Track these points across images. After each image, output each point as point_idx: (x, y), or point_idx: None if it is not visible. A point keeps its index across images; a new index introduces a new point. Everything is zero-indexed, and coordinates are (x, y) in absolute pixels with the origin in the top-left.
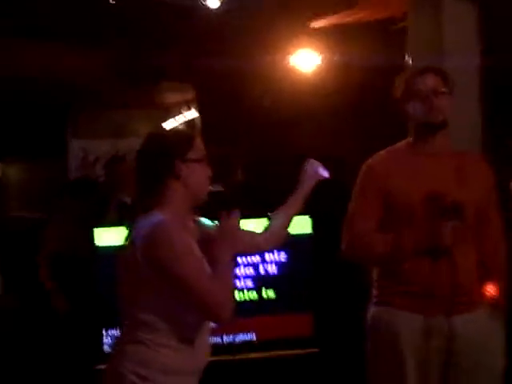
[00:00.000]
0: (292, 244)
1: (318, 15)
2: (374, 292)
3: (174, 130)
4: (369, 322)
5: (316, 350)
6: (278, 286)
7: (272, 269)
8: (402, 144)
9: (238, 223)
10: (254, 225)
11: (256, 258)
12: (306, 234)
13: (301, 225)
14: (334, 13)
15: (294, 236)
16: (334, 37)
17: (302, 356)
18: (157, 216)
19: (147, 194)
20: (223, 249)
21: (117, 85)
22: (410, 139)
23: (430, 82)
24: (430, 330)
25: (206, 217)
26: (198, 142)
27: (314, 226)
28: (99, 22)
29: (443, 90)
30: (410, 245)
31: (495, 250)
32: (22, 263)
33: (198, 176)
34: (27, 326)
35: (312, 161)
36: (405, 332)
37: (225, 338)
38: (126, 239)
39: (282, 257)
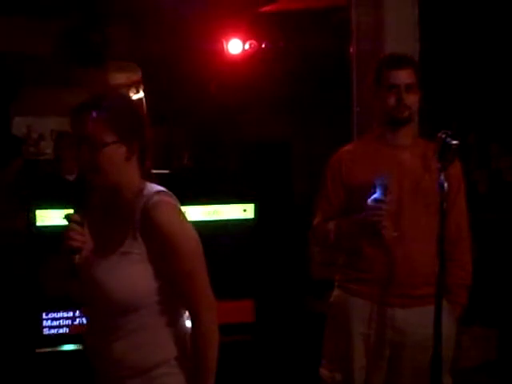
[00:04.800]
0: (235, 230)
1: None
2: (337, 277)
3: None
4: (329, 305)
5: (256, 336)
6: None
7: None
8: (369, 135)
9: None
10: (198, 211)
11: None
12: (250, 220)
13: (245, 211)
14: None
15: (237, 221)
16: (280, 24)
17: (242, 342)
18: None
19: None
20: None
21: (63, 63)
22: (376, 131)
23: (404, 76)
24: (377, 320)
25: None
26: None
27: (258, 212)
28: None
29: (415, 85)
30: (347, 227)
31: (458, 238)
32: None
33: None
34: None
35: None
36: (355, 318)
37: None
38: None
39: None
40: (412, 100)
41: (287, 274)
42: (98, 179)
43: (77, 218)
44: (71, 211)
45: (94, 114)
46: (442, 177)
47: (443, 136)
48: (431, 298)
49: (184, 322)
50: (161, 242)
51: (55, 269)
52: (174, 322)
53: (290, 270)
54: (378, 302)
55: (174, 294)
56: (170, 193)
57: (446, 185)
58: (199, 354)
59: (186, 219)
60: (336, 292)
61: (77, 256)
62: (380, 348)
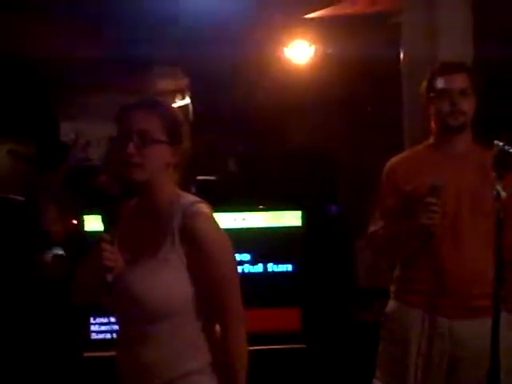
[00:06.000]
0: (282, 237)
1: (313, 6)
2: (392, 288)
3: None
4: (384, 316)
5: (303, 345)
6: (266, 279)
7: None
8: (423, 144)
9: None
10: (244, 217)
11: None
12: (297, 227)
13: (291, 218)
14: (330, 4)
15: (284, 229)
16: (329, 29)
17: (288, 351)
18: None
19: None
20: None
21: (108, 69)
22: (430, 139)
23: (457, 81)
24: (435, 332)
25: None
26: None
27: (305, 220)
28: (90, 4)
29: (470, 91)
30: (402, 233)
31: None
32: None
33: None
34: (14, 314)
35: None
36: (413, 330)
37: None
38: None
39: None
40: (467, 105)
41: (333, 283)
42: (140, 175)
43: (107, 237)
44: (102, 230)
45: (153, 110)
46: (499, 185)
47: (501, 143)
48: (491, 309)
49: (216, 329)
50: (198, 250)
51: (84, 282)
52: (207, 330)
53: (335, 278)
54: (435, 314)
55: (207, 301)
56: (206, 202)
57: (503, 194)
58: (228, 364)
59: (221, 229)
60: (392, 303)
61: (110, 275)
62: (438, 360)
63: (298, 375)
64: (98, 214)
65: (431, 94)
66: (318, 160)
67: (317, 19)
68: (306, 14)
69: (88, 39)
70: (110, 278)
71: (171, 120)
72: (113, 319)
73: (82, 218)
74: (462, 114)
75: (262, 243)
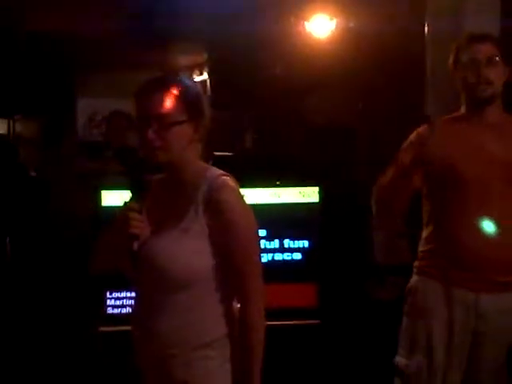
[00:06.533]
0: (299, 213)
1: None
2: (416, 263)
3: None
4: (407, 290)
5: (318, 321)
6: (282, 254)
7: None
8: (452, 115)
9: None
10: (261, 193)
11: None
12: (314, 203)
13: (309, 194)
14: None
15: (300, 205)
16: (351, 1)
17: (303, 326)
18: None
19: None
20: None
21: (127, 45)
22: (461, 109)
23: (484, 50)
24: (460, 306)
25: None
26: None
27: (322, 196)
28: None
29: (497, 59)
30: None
31: None
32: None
33: None
34: (31, 289)
35: None
36: (437, 305)
37: None
38: None
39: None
40: (494, 74)
41: (350, 259)
42: (164, 157)
43: (135, 206)
44: (129, 199)
45: (169, 92)
46: None
47: None
48: None
49: (233, 302)
50: (222, 221)
51: (108, 246)
52: (224, 304)
53: (352, 254)
54: (460, 287)
55: (226, 274)
56: (232, 177)
57: None
58: (244, 338)
59: (246, 203)
60: (415, 278)
61: (135, 243)
62: (461, 335)
63: (312, 351)
64: (128, 183)
65: (458, 66)
66: (336, 135)
67: None
68: None
69: (103, 16)
70: (135, 245)
71: (190, 96)
72: (129, 294)
73: (99, 192)
74: (490, 85)
75: (278, 219)
